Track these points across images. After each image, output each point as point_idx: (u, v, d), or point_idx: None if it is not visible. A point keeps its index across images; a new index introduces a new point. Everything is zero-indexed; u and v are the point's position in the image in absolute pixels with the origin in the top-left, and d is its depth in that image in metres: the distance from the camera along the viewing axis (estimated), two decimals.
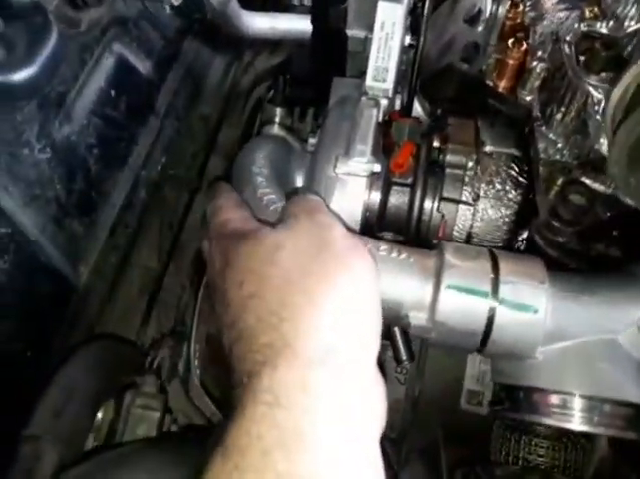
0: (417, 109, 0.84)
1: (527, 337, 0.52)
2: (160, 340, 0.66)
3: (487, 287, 0.51)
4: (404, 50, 0.74)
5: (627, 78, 0.37)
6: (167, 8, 0.54)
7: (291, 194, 0.59)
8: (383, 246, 0.55)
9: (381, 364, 0.50)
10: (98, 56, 0.63)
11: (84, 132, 0.62)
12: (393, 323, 0.56)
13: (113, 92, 0.67)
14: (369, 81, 0.64)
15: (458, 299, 0.52)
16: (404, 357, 0.61)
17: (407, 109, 0.80)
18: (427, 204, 0.65)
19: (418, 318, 0.53)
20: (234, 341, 0.43)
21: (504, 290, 0.51)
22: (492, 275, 0.52)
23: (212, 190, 0.59)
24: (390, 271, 0.54)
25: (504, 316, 0.51)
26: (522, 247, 0.66)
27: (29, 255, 0.55)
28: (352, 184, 0.62)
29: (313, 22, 0.69)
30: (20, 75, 0.45)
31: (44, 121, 0.55)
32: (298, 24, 0.88)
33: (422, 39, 0.73)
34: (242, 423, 0.37)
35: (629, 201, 0.46)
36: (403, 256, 0.55)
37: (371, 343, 0.44)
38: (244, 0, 0.88)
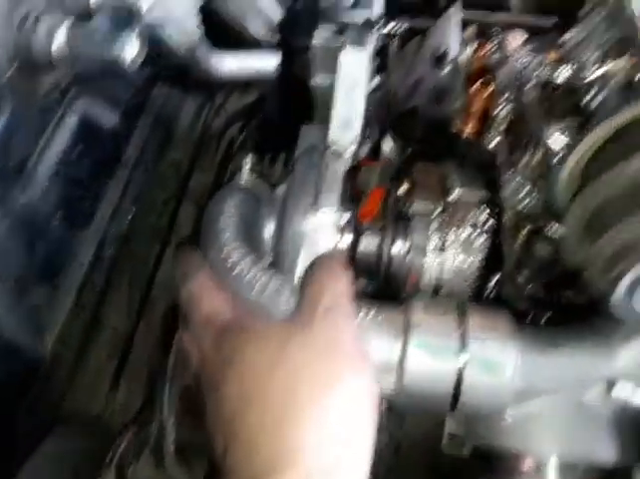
0: (387, 148, 0.83)
1: (496, 396, 0.50)
2: (125, 428, 0.64)
3: (455, 346, 0.50)
4: (373, 90, 0.74)
5: (582, 146, 0.36)
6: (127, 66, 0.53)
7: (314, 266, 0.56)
8: None
9: None
10: (59, 118, 0.62)
11: (46, 196, 0.61)
12: None
13: (77, 151, 0.66)
14: (334, 131, 0.63)
15: (425, 360, 0.50)
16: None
17: (376, 149, 0.80)
18: (396, 251, 0.64)
19: (385, 382, 0.52)
20: (231, 440, 0.42)
21: (473, 349, 0.50)
22: (461, 333, 0.51)
23: (179, 261, 0.57)
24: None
25: (473, 376, 0.49)
26: (493, 294, 0.64)
27: None
28: (321, 237, 0.61)
29: (278, 72, 0.69)
30: None
31: (3, 191, 0.54)
32: (269, 62, 0.88)
33: (389, 82, 0.73)
34: None
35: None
36: (370, 314, 0.53)
37: (367, 452, 0.44)
38: (214, 39, 0.89)
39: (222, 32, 0.94)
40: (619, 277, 0.34)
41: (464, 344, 0.50)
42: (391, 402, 0.55)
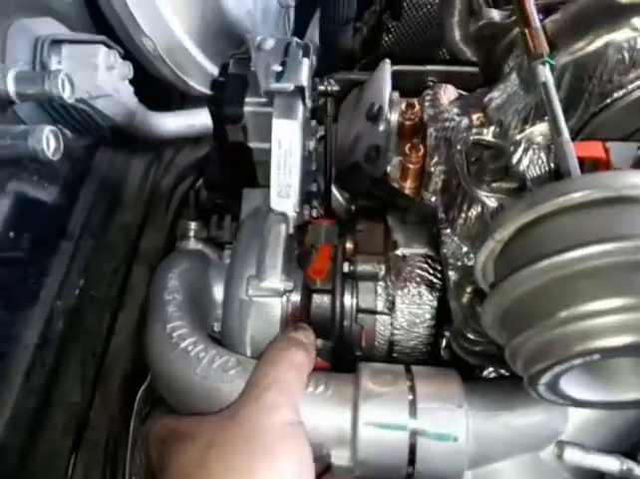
0: (337, 198, 0.84)
1: (451, 464, 0.50)
2: None
3: (405, 419, 0.50)
4: (313, 148, 0.74)
5: (488, 245, 0.36)
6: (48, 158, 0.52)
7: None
8: None
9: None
10: None
11: None
12: (315, 461, 0.54)
13: (12, 234, 0.64)
14: (274, 198, 0.63)
15: (377, 434, 0.50)
16: None
17: (325, 203, 0.80)
18: (347, 310, 0.64)
19: (340, 458, 0.51)
20: None
21: (423, 419, 0.50)
22: (410, 402, 0.51)
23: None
24: (308, 409, 0.52)
25: (426, 447, 0.49)
26: (447, 346, 0.65)
27: None
28: (266, 305, 0.61)
29: (214, 138, 0.68)
30: None
31: None
32: None
33: (329, 138, 0.73)
34: None
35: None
36: (320, 389, 0.53)
37: None
38: (158, 100, 0.88)
39: (165, 93, 0.94)
40: (537, 377, 0.35)
41: (414, 415, 0.50)
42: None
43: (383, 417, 0.50)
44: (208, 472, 0.44)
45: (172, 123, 0.89)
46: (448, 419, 0.50)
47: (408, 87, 0.72)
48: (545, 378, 0.34)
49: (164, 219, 0.89)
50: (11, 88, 0.55)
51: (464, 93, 0.70)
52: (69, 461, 0.67)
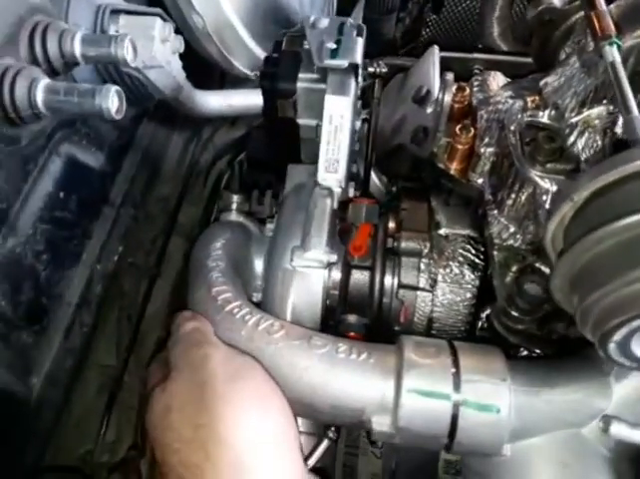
0: (375, 182, 0.84)
1: (492, 436, 0.51)
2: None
3: (449, 389, 0.50)
4: (358, 128, 0.75)
5: (563, 208, 0.37)
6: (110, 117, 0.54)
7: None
8: (342, 346, 0.54)
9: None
10: (43, 164, 0.61)
11: (30, 241, 0.60)
12: (356, 428, 0.55)
13: (62, 194, 0.65)
14: (321, 172, 0.64)
15: (420, 403, 0.51)
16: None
17: (364, 185, 0.81)
18: (387, 287, 0.64)
19: (381, 424, 0.52)
20: None
21: (466, 390, 0.50)
22: (453, 374, 0.51)
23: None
24: (350, 375, 0.52)
25: (468, 418, 0.50)
26: (485, 325, 0.65)
27: None
28: (309, 276, 0.62)
29: (264, 113, 0.70)
30: None
31: None
32: (254, 99, 0.89)
33: (373, 120, 0.74)
34: None
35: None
36: (363, 357, 0.54)
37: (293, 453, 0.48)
38: (201, 78, 0.89)
39: (206, 72, 0.95)
40: (611, 334, 0.35)
41: (457, 387, 0.50)
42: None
43: (426, 386, 0.51)
44: (176, 433, 0.46)
45: (215, 101, 0.90)
46: (491, 392, 0.50)
47: (454, 73, 0.73)
48: (619, 335, 0.35)
49: (202, 194, 0.90)
50: (77, 49, 0.56)
51: (511, 80, 0.71)
52: (102, 421, 0.69)
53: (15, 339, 0.59)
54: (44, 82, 0.53)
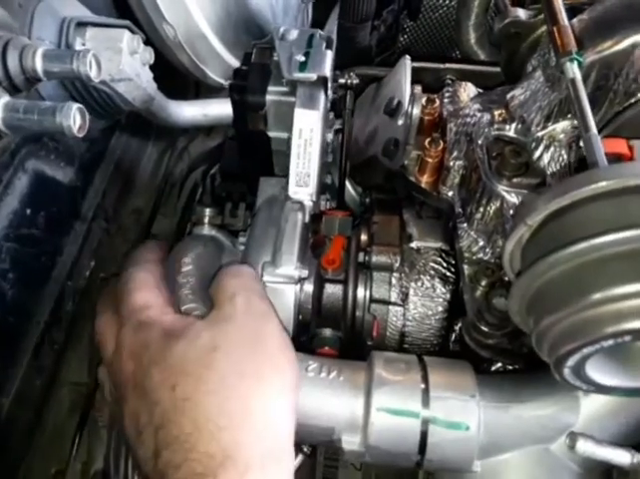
0: (351, 193, 0.84)
1: (462, 453, 0.51)
2: None
3: (418, 406, 0.50)
4: (331, 140, 0.75)
5: (519, 231, 0.37)
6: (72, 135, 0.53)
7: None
8: (312, 365, 0.54)
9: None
10: (8, 180, 0.60)
11: None
12: (326, 446, 0.55)
13: (29, 211, 0.64)
14: (292, 186, 0.63)
15: (389, 421, 0.50)
16: None
17: (339, 196, 0.80)
18: (359, 301, 0.64)
19: (350, 443, 0.52)
20: (164, 445, 0.42)
21: (435, 407, 0.50)
22: (422, 391, 0.51)
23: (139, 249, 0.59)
24: (320, 394, 0.52)
25: (437, 435, 0.50)
26: (457, 338, 0.65)
27: None
28: (281, 292, 0.61)
29: (235, 126, 0.69)
30: None
31: None
32: (230, 109, 0.89)
33: (347, 132, 0.74)
34: None
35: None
36: (332, 375, 0.53)
37: (290, 441, 0.47)
38: (175, 89, 0.89)
39: (181, 81, 0.95)
40: (564, 359, 0.35)
41: (426, 403, 0.50)
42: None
43: (396, 404, 0.51)
44: (220, 375, 0.44)
45: (188, 111, 0.89)
46: (460, 408, 0.50)
47: (426, 84, 0.73)
48: (572, 360, 0.35)
49: (176, 205, 0.89)
50: (39, 65, 0.55)
51: (482, 91, 0.71)
52: (74, 439, 0.68)
53: None
54: (3, 100, 0.52)
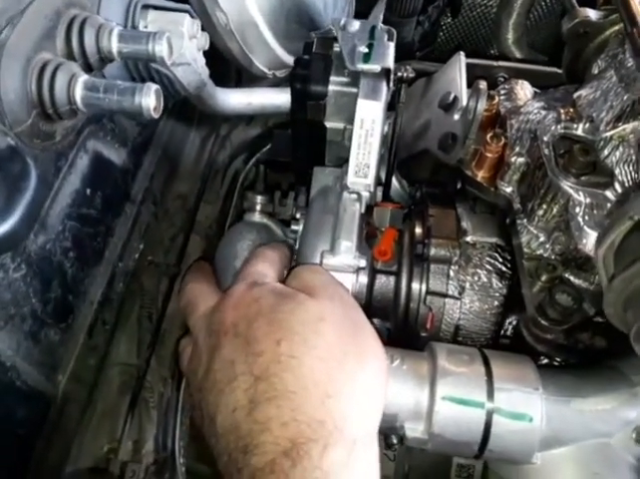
0: (396, 187, 0.85)
1: (524, 444, 0.51)
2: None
3: (482, 397, 0.51)
4: (385, 133, 0.75)
5: (617, 227, 0.38)
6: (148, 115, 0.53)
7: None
8: None
9: None
10: (72, 159, 0.61)
11: (60, 237, 0.60)
12: (388, 433, 0.55)
13: (89, 190, 0.65)
14: (351, 177, 0.64)
15: (454, 410, 0.51)
16: (394, 441, 0.60)
17: (385, 190, 0.81)
18: (414, 293, 0.65)
19: (414, 430, 0.52)
20: (266, 398, 0.42)
21: (499, 399, 0.51)
22: (487, 383, 0.52)
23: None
24: None
25: (501, 425, 0.51)
26: (509, 333, 0.66)
27: (4, 383, 0.52)
28: (339, 280, 0.62)
29: (292, 115, 0.70)
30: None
31: (20, 237, 0.52)
32: (273, 98, 0.89)
33: (398, 125, 0.74)
34: None
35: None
36: (396, 363, 0.54)
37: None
38: (218, 76, 0.89)
39: (224, 69, 0.95)
40: None
41: (490, 395, 0.51)
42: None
43: (460, 394, 0.51)
44: (327, 344, 0.45)
45: (235, 99, 0.89)
46: (524, 400, 0.51)
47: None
48: None
49: (219, 192, 0.90)
50: (114, 45, 0.56)
51: (537, 90, 0.72)
52: (125, 419, 0.68)
53: (43, 337, 0.58)
54: (83, 78, 0.52)
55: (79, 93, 0.52)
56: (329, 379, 0.44)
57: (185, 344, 0.55)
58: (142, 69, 0.69)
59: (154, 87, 0.52)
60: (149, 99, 0.52)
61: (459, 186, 0.73)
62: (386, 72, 0.64)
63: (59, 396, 0.61)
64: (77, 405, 0.65)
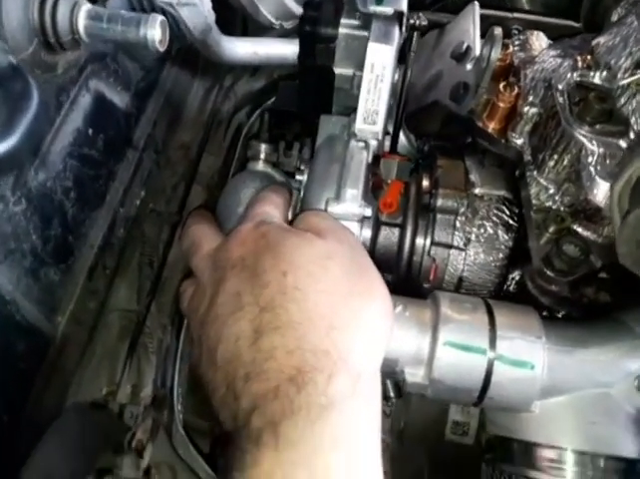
0: (403, 142, 0.83)
1: (524, 392, 0.51)
2: (142, 413, 0.64)
3: (485, 344, 0.51)
4: (395, 81, 0.73)
5: (636, 162, 0.36)
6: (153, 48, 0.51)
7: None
8: None
9: None
10: (74, 96, 0.59)
11: (60, 176, 0.59)
12: (387, 377, 0.55)
13: (90, 131, 0.63)
14: (359, 124, 0.62)
15: (455, 356, 0.51)
16: (392, 394, 0.60)
17: (392, 143, 0.79)
18: (418, 245, 0.64)
19: (414, 375, 0.52)
20: (271, 328, 0.42)
21: (501, 346, 0.51)
22: (489, 330, 0.52)
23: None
24: None
25: (502, 373, 0.51)
26: (512, 288, 0.66)
27: (3, 315, 0.51)
28: None
29: (300, 59, 0.68)
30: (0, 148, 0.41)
31: (19, 172, 0.51)
32: (279, 49, 0.87)
33: (408, 75, 0.72)
34: (297, 421, 0.38)
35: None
36: (399, 309, 0.54)
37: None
38: (223, 24, 0.86)
39: (230, 18, 0.92)
40: None
41: (493, 342, 0.51)
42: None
43: (462, 340, 0.51)
44: (333, 279, 0.45)
45: (241, 48, 0.87)
46: (526, 348, 0.51)
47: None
48: None
49: (222, 144, 0.89)
50: None
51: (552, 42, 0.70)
52: (125, 364, 0.68)
53: (43, 276, 0.58)
54: (86, 7, 0.50)
55: (82, 22, 0.50)
56: (334, 313, 0.44)
57: (187, 285, 0.54)
58: (146, 6, 0.67)
59: (159, 18, 0.50)
60: (154, 30, 0.50)
61: (468, 140, 0.71)
62: (399, 15, 0.62)
63: (58, 336, 0.61)
64: (76, 347, 0.65)
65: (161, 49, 0.51)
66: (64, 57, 0.54)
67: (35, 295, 0.56)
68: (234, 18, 0.98)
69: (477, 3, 0.74)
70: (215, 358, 0.43)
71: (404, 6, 0.61)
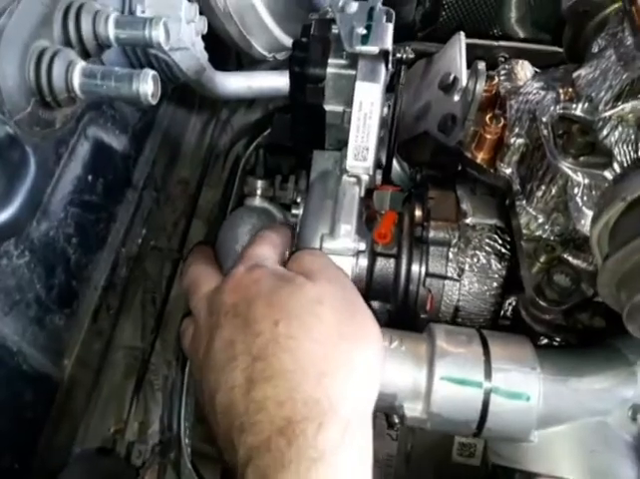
0: (396, 169, 0.85)
1: (521, 423, 0.52)
2: (149, 455, 0.65)
3: (480, 377, 0.52)
4: (384, 115, 0.75)
5: (611, 207, 0.38)
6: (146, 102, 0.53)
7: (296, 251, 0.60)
8: None
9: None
10: (73, 146, 0.61)
11: (62, 224, 0.61)
12: (387, 413, 0.56)
13: (90, 177, 0.65)
14: (350, 160, 0.64)
15: (452, 390, 0.52)
16: (396, 420, 0.61)
17: (385, 174, 0.81)
18: (413, 275, 0.65)
19: (413, 409, 0.53)
20: (264, 378, 0.43)
21: (497, 379, 0.52)
22: (484, 362, 0.53)
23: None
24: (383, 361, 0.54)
25: (498, 404, 0.52)
26: (509, 313, 0.66)
27: (10, 367, 0.53)
28: (338, 264, 0.62)
29: (291, 98, 0.69)
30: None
31: (23, 225, 0.53)
32: (272, 81, 0.89)
33: (398, 107, 0.74)
34: (287, 476, 0.39)
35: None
36: (395, 344, 0.55)
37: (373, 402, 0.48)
38: (218, 59, 0.89)
39: (223, 52, 0.94)
40: None
41: (488, 375, 0.52)
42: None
43: (458, 374, 0.52)
44: (325, 326, 0.46)
45: (234, 83, 0.89)
46: (521, 380, 0.52)
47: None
48: None
49: (220, 177, 0.90)
50: (111, 31, 0.56)
51: (538, 70, 0.71)
52: (131, 401, 0.70)
53: (49, 322, 0.59)
54: (80, 65, 0.52)
55: (77, 80, 0.52)
56: (325, 360, 0.45)
57: (187, 324, 0.56)
58: (140, 54, 0.69)
59: (151, 73, 0.52)
60: (146, 85, 0.52)
61: (459, 168, 0.73)
62: (384, 53, 0.63)
63: (65, 380, 0.62)
64: (83, 389, 0.66)
65: (154, 102, 0.53)
66: (61, 112, 0.56)
67: (41, 342, 0.58)
68: (229, 53, 1.01)
69: (462, 33, 0.76)
70: (215, 405, 0.45)
71: (389, 44, 0.63)
